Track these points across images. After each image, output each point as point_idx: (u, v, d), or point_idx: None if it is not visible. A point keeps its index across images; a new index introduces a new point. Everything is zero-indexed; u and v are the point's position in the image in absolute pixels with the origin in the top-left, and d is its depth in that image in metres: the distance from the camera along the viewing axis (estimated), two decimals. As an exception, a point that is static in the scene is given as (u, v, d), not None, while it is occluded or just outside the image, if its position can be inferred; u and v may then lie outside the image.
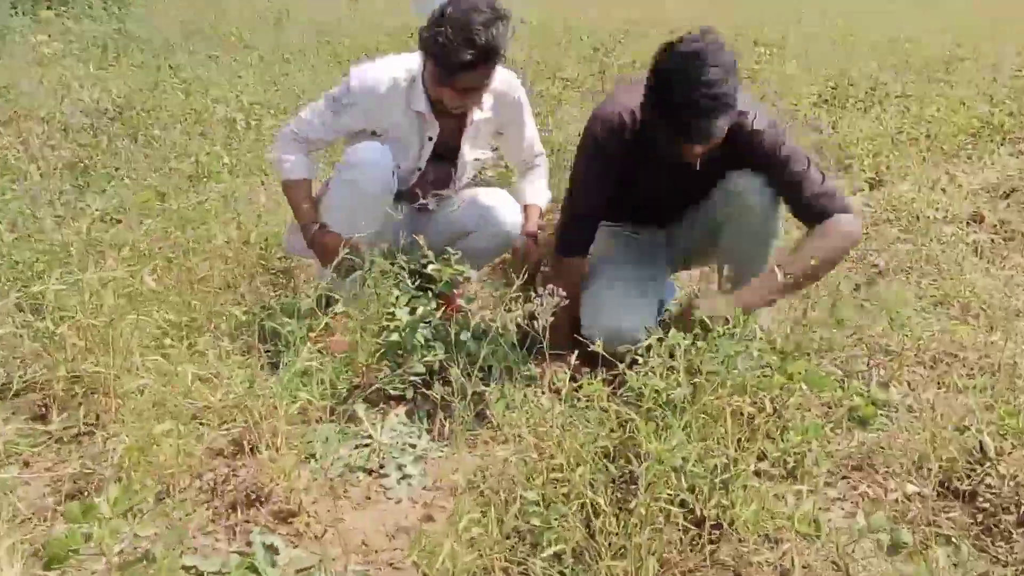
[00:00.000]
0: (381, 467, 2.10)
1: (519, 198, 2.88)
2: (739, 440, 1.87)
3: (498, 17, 2.36)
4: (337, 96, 2.63)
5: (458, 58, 2.34)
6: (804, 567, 1.75)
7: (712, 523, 1.80)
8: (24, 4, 8.08)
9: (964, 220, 3.93)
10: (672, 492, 1.75)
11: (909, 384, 2.50)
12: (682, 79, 2.08)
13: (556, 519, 1.76)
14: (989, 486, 2.00)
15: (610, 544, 1.71)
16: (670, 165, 2.35)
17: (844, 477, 2.08)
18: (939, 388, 2.45)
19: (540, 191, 2.98)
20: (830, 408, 2.23)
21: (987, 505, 1.95)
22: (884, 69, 7.14)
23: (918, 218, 3.89)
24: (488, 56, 2.38)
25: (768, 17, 11.22)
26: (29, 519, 1.83)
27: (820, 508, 1.85)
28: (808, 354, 2.33)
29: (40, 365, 2.22)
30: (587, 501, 1.77)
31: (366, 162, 2.54)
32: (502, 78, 2.65)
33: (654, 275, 2.61)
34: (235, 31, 7.96)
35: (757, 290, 2.27)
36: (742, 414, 1.88)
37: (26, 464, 2.03)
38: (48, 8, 7.85)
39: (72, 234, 2.55)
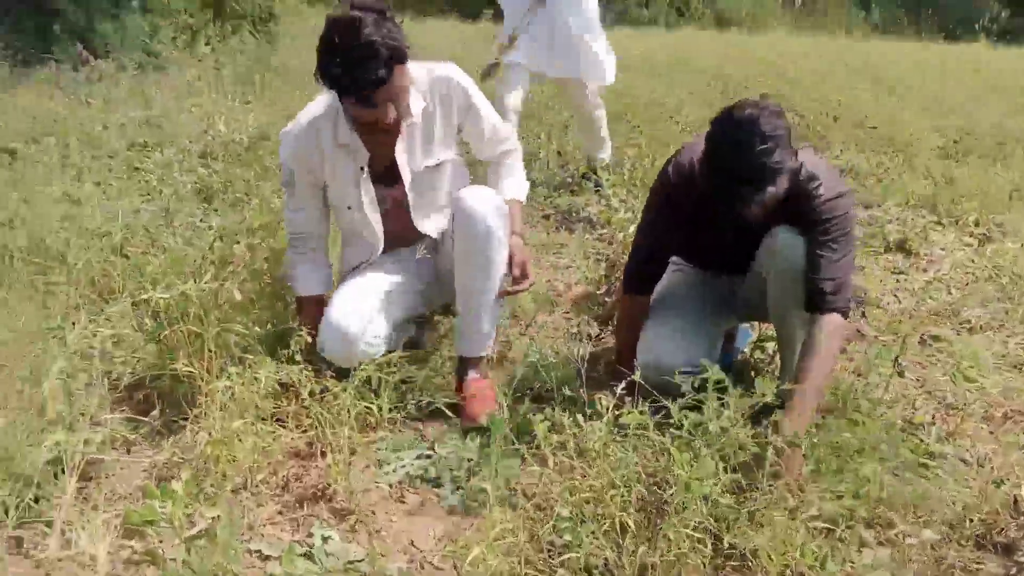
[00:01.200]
0: (438, 478, 2.26)
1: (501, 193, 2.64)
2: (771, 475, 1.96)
3: (381, 15, 2.23)
4: (283, 176, 2.57)
5: (369, 76, 2.20)
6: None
7: (736, 552, 1.90)
8: (184, 39, 8.75)
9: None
10: (700, 519, 1.85)
11: (971, 439, 2.50)
12: (730, 148, 2.17)
13: (587, 535, 1.89)
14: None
15: (637, 564, 1.83)
16: (736, 218, 2.45)
17: (879, 521, 2.11)
18: (998, 445, 2.44)
19: (517, 183, 2.76)
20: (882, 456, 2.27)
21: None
22: (1013, 115, 6.97)
23: (1021, 277, 3.82)
24: (393, 57, 2.22)
25: (899, 57, 11.00)
26: (125, 498, 2.09)
27: (838, 546, 1.90)
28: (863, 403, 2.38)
29: (149, 364, 2.50)
30: (617, 521, 1.89)
31: (329, 347, 2.46)
32: (427, 71, 2.53)
33: (715, 317, 2.68)
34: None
35: (805, 412, 2.22)
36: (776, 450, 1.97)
37: (128, 450, 2.30)
38: (206, 44, 8.48)
39: (191, 249, 2.84)
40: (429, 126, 2.56)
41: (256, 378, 2.19)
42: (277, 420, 2.33)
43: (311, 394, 2.19)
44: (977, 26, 15.27)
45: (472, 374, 2.58)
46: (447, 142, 2.62)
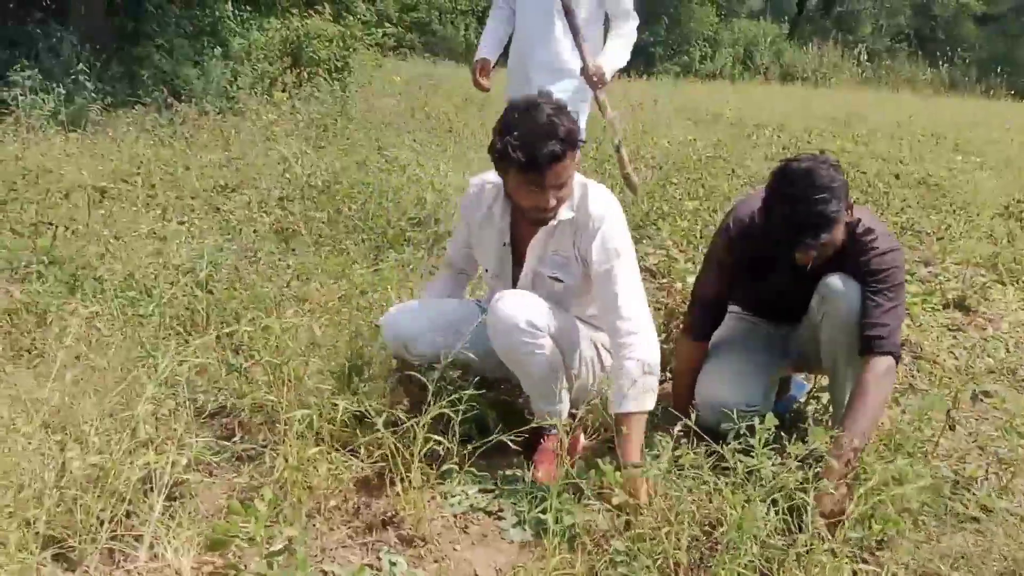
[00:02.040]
0: (500, 510, 2.37)
1: (610, 406, 2.46)
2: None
3: (560, 107, 2.36)
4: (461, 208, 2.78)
5: (544, 151, 2.27)
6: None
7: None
8: (262, 85, 9.12)
9: None
10: (750, 559, 1.94)
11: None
12: (789, 197, 2.33)
13: (642, 570, 1.98)
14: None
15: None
16: (793, 267, 2.56)
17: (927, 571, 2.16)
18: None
19: (627, 390, 2.43)
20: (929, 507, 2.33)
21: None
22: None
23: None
24: (569, 140, 2.31)
25: (965, 114, 10.94)
26: (207, 517, 2.24)
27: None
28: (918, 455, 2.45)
29: (231, 392, 2.66)
30: (671, 558, 1.98)
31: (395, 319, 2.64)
32: (583, 188, 2.54)
33: (770, 362, 2.77)
34: (443, 113, 8.67)
35: (849, 454, 2.27)
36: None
37: (210, 473, 2.45)
38: (282, 90, 8.83)
39: (271, 286, 3.02)
40: (563, 232, 2.54)
41: (334, 405, 2.33)
42: (350, 450, 2.46)
43: (385, 425, 2.31)
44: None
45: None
46: (571, 268, 2.58)
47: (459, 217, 2.77)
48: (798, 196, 2.30)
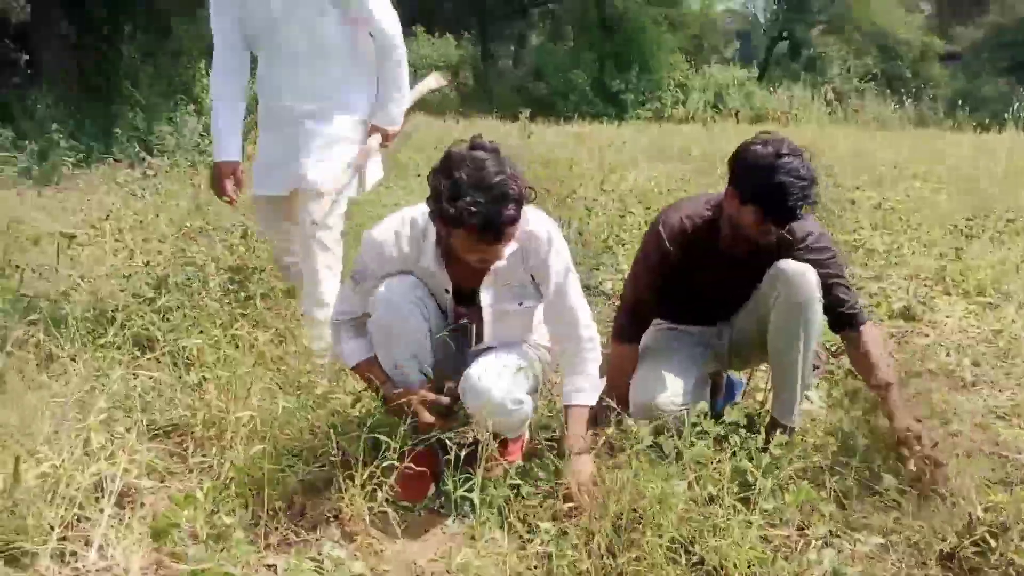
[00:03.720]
0: (442, 507, 2.47)
1: (563, 398, 2.64)
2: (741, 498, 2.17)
3: (501, 159, 2.30)
4: (356, 270, 2.60)
5: (502, 217, 2.25)
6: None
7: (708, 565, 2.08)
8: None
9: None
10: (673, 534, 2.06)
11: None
12: (776, 168, 2.49)
13: (569, 548, 2.09)
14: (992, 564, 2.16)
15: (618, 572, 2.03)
16: (725, 265, 2.72)
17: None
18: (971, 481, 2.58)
19: (586, 386, 2.61)
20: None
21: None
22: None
23: (1017, 338, 3.97)
24: (521, 198, 2.30)
25: (927, 146, 11.19)
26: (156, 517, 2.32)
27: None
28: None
29: (184, 408, 2.76)
30: (597, 533, 2.10)
31: (388, 298, 2.52)
32: (532, 219, 2.52)
33: (695, 359, 2.89)
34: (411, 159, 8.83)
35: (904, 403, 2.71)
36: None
37: (161, 480, 2.54)
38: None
39: (223, 307, 3.14)
40: (511, 271, 2.56)
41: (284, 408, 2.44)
42: (295, 455, 2.56)
43: (332, 427, 2.41)
44: (1007, 115, 15.46)
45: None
46: (529, 290, 2.63)
47: (362, 276, 2.59)
48: (791, 169, 2.48)
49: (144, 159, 7.52)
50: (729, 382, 3.24)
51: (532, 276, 2.59)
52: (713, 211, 2.75)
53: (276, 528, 2.33)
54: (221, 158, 3.38)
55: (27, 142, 7.34)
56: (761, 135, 2.62)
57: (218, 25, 3.33)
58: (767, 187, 2.51)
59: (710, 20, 28.45)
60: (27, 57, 10.46)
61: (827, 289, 2.67)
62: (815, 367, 2.98)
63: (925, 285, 4.80)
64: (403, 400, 2.48)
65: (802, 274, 2.63)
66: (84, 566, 2.11)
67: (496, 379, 2.48)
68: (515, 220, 2.29)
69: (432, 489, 2.53)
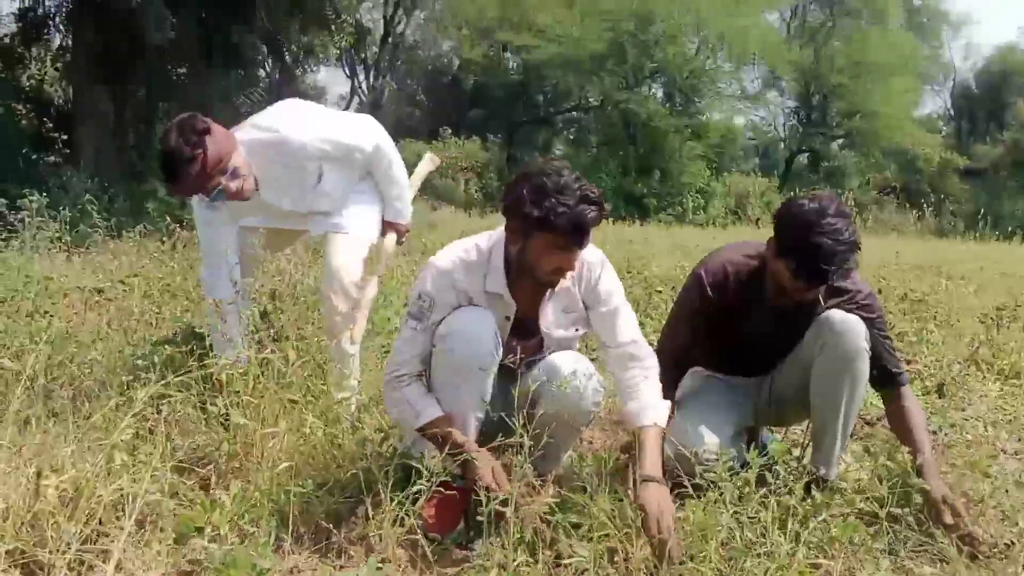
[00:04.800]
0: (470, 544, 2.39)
1: (630, 420, 2.55)
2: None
3: (578, 173, 2.36)
4: (416, 306, 2.51)
5: (585, 218, 2.28)
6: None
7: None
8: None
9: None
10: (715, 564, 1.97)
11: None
12: (816, 226, 2.46)
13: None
14: None
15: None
16: (769, 314, 2.68)
17: None
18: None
19: (656, 403, 2.54)
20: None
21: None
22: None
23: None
24: (603, 208, 2.34)
25: (947, 252, 11.16)
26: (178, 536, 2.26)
27: None
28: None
29: (209, 439, 2.71)
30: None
31: (462, 328, 2.43)
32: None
33: (734, 410, 2.83)
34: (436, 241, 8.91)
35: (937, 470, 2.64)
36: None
37: (183, 504, 2.46)
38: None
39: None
40: (568, 295, 2.59)
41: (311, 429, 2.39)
42: (321, 485, 2.49)
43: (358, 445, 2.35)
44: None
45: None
46: (582, 316, 2.64)
47: (427, 310, 2.50)
48: (824, 227, 2.45)
49: (174, 231, 7.57)
50: (763, 442, 3.15)
51: (583, 302, 2.60)
52: (758, 259, 2.73)
53: (300, 552, 2.25)
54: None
55: (60, 210, 7.44)
56: (812, 192, 2.61)
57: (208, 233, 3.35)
58: (803, 244, 2.48)
59: (731, 131, 28.96)
60: (65, 137, 10.71)
61: (872, 345, 2.62)
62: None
63: (958, 363, 4.72)
64: (487, 468, 2.33)
65: (852, 324, 2.59)
66: (102, 578, 2.03)
67: (574, 363, 2.55)
68: (598, 222, 2.32)
69: (461, 524, 2.44)
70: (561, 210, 2.26)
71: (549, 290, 2.54)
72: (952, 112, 41.88)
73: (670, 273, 7.45)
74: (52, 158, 10.52)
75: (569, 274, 2.47)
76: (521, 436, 2.17)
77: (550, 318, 2.60)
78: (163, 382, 2.48)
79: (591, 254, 2.56)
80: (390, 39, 31.24)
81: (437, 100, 32.23)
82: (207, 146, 2.87)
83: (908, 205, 23.65)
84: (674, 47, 24.24)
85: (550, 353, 2.64)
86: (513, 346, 2.55)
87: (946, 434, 3.59)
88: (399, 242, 3.58)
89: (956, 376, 4.43)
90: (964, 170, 29.62)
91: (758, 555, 1.99)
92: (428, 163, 3.93)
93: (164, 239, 7.66)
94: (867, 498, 2.46)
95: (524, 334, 2.60)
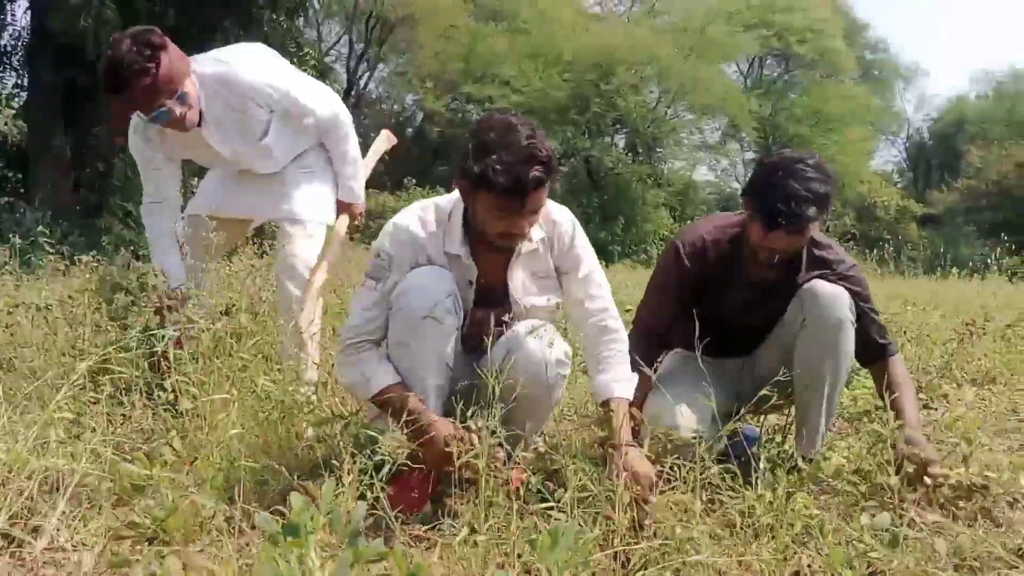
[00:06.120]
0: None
1: (600, 392, 2.42)
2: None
3: (534, 128, 2.17)
4: (375, 265, 2.36)
5: (526, 177, 2.08)
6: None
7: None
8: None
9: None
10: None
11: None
12: (787, 170, 2.36)
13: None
14: None
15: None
16: (748, 289, 2.56)
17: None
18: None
19: (623, 378, 2.43)
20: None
21: None
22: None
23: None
24: (550, 164, 2.14)
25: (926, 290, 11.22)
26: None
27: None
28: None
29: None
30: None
31: (418, 283, 2.26)
32: (555, 209, 2.43)
33: (718, 389, 2.68)
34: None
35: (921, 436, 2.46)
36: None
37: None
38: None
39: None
40: (536, 258, 2.43)
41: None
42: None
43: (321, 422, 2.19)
44: (990, 264, 15.64)
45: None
46: (554, 284, 2.48)
47: (385, 269, 2.34)
48: (794, 172, 2.35)
49: (129, 263, 7.39)
50: (745, 433, 3.01)
51: (556, 268, 2.45)
52: (738, 227, 2.61)
53: (252, 528, 2.07)
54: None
55: (11, 236, 7.24)
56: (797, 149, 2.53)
57: (144, 158, 3.22)
58: (769, 183, 2.38)
59: (689, 187, 29.22)
60: (20, 175, 10.54)
61: (858, 317, 2.51)
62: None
63: (934, 367, 4.66)
64: (445, 436, 2.15)
65: (834, 294, 2.48)
66: (31, 554, 1.84)
67: (540, 330, 2.29)
68: (542, 183, 2.13)
69: (428, 505, 2.27)
70: (500, 167, 2.08)
71: (515, 253, 2.38)
72: (907, 161, 42.81)
73: (628, 298, 7.33)
74: (5, 198, 10.34)
75: (535, 236, 2.35)
76: (491, 394, 2.01)
77: (519, 284, 2.42)
78: (103, 354, 2.32)
79: (560, 214, 2.43)
80: (353, 92, 31.30)
81: (401, 152, 32.23)
82: (161, 60, 2.71)
83: (869, 251, 23.88)
84: (636, 96, 24.56)
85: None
86: (479, 318, 2.39)
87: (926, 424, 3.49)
88: (353, 224, 3.45)
89: (932, 383, 4.36)
90: (921, 217, 30.13)
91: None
92: (384, 141, 3.81)
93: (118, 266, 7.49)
94: (856, 471, 2.35)
95: (493, 303, 2.42)
